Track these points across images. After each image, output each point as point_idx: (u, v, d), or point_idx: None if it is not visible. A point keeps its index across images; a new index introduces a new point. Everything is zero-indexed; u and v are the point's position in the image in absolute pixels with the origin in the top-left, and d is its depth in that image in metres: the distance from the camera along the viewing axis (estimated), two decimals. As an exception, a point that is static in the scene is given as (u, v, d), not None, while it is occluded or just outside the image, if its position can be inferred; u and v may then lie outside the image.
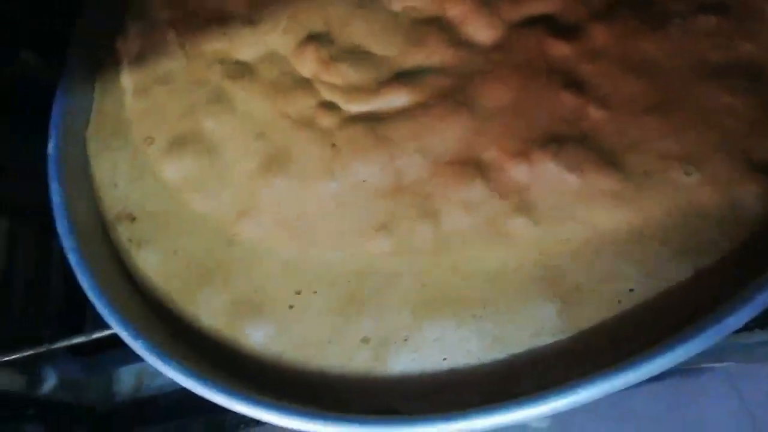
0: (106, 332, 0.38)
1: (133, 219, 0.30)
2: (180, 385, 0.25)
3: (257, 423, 0.30)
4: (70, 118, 0.34)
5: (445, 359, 0.24)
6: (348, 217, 0.27)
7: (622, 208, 0.24)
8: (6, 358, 0.35)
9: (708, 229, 0.23)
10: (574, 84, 0.26)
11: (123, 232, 0.30)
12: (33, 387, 0.40)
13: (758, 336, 0.35)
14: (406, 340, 0.24)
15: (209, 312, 0.27)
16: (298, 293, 0.26)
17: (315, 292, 0.26)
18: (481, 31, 0.28)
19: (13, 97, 0.43)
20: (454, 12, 0.29)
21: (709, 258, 0.22)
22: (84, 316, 0.43)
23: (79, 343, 0.35)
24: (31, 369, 0.40)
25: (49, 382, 0.41)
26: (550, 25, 0.27)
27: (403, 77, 0.28)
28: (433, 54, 0.28)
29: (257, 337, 0.26)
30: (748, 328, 0.34)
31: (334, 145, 0.28)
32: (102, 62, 0.35)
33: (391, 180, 0.26)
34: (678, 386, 0.69)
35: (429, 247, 0.25)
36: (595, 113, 0.25)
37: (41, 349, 0.35)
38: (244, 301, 0.27)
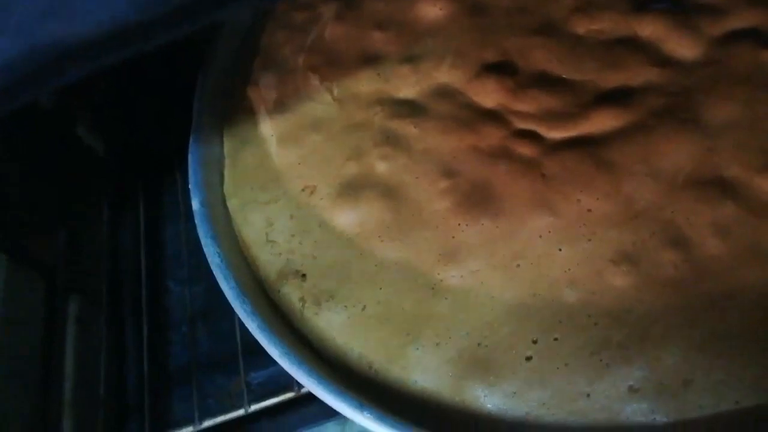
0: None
1: (303, 276, 0.27)
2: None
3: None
4: (206, 173, 0.31)
5: (737, 402, 0.21)
6: (577, 252, 0.24)
7: None
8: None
9: None
10: (809, 92, 0.24)
11: (291, 292, 0.27)
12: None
13: None
14: (686, 384, 0.21)
15: (424, 373, 0.23)
16: (535, 342, 0.23)
17: (556, 339, 0.23)
18: (684, 49, 0.26)
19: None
20: (647, 32, 0.27)
21: None
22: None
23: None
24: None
25: None
26: (758, 37, 0.26)
27: (608, 99, 0.26)
28: (636, 74, 0.26)
29: (493, 399, 0.22)
30: None
31: (543, 175, 0.25)
32: (232, 113, 0.33)
33: (621, 207, 0.24)
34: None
35: (685, 276, 0.22)
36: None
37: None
38: (468, 358, 0.23)
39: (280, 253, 0.28)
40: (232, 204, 0.30)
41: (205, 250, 0.27)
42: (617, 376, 0.22)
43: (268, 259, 0.28)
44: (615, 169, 0.24)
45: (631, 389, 0.21)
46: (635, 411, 0.21)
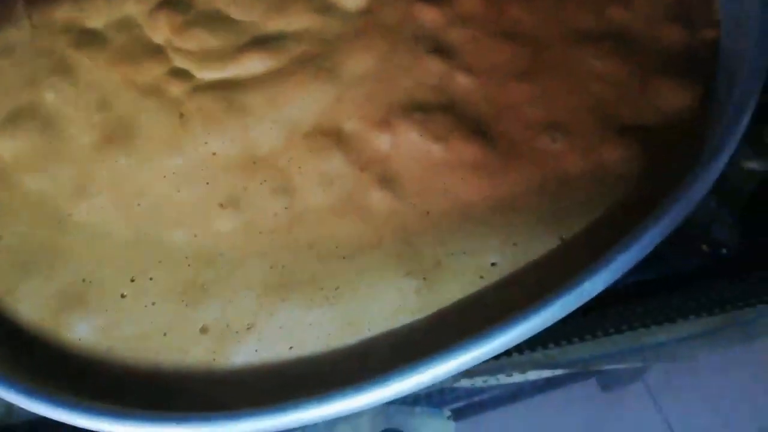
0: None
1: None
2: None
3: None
4: None
5: (291, 348, 0.21)
6: (193, 194, 0.24)
7: (486, 179, 0.22)
8: None
9: (574, 197, 0.21)
10: (442, 50, 0.24)
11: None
12: None
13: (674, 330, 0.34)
14: (249, 328, 0.21)
15: (30, 306, 0.23)
16: (133, 280, 0.23)
17: (151, 279, 0.23)
18: (349, -1, 0.26)
19: None
20: (319, -22, 0.26)
21: (576, 226, 0.20)
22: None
23: None
24: None
25: None
26: (418, -9, 0.25)
27: (262, 43, 0.26)
28: (297, 20, 0.26)
29: (81, 332, 0.23)
30: (665, 320, 0.33)
31: (182, 115, 0.25)
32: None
33: (243, 153, 0.24)
34: (597, 401, 0.68)
35: (281, 225, 0.23)
36: (462, 80, 0.23)
37: None
38: (70, 292, 0.23)
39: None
40: None
41: None
42: (193, 316, 0.22)
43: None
44: (246, 113, 0.24)
45: (203, 329, 0.22)
46: (201, 351, 0.21)
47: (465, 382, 0.35)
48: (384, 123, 0.23)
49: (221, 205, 0.23)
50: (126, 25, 0.28)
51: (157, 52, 0.27)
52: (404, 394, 0.17)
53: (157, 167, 0.24)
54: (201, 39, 0.26)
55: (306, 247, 0.22)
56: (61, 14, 0.29)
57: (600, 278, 0.17)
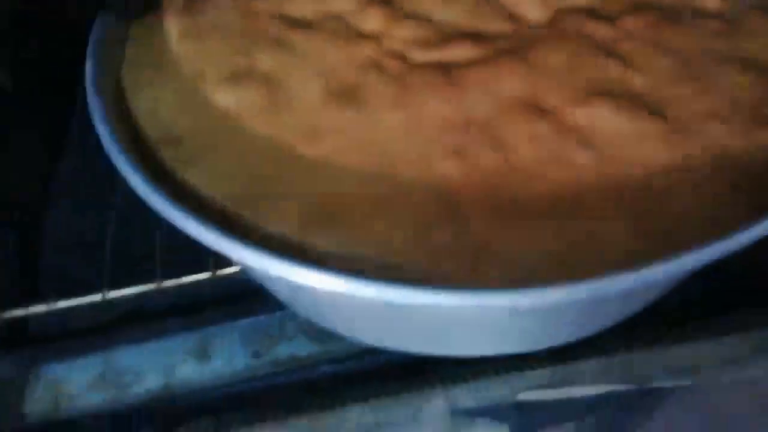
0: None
1: (179, 142, 0.30)
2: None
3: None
4: (105, 57, 0.33)
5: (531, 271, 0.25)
6: (418, 143, 0.28)
7: (669, 149, 0.27)
8: None
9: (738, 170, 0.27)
10: (616, 55, 0.30)
11: (167, 154, 0.29)
12: None
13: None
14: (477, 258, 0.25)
15: (274, 223, 0.26)
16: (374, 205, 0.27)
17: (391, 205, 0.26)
18: (534, 12, 0.32)
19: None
20: (504, -1, 0.33)
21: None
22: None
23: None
24: None
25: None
26: (591, 13, 0.32)
27: (466, 37, 0.31)
28: (491, 24, 0.32)
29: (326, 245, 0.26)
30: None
31: (405, 84, 0.30)
32: (137, 12, 0.35)
33: (461, 115, 0.29)
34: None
35: (499, 171, 0.27)
36: (636, 79, 0.30)
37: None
38: (317, 212, 0.26)
39: (162, 125, 0.30)
40: (126, 82, 0.32)
41: (94, 115, 0.29)
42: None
43: (151, 129, 0.30)
44: (461, 85, 0.29)
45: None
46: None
47: (528, 395, 0.38)
48: (580, 100, 0.29)
49: (443, 153, 0.28)
50: (334, 16, 0.33)
51: (369, 37, 0.32)
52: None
53: (384, 119, 0.29)
54: (411, 29, 0.32)
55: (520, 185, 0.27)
56: (264, 5, 0.34)
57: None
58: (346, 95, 0.30)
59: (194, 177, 0.28)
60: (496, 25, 0.32)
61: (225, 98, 0.30)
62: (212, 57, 0.32)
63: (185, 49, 0.33)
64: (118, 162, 0.27)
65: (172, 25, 0.34)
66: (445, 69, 0.30)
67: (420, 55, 0.31)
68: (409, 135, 0.28)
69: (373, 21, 0.32)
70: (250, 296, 0.38)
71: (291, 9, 0.34)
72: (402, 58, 0.31)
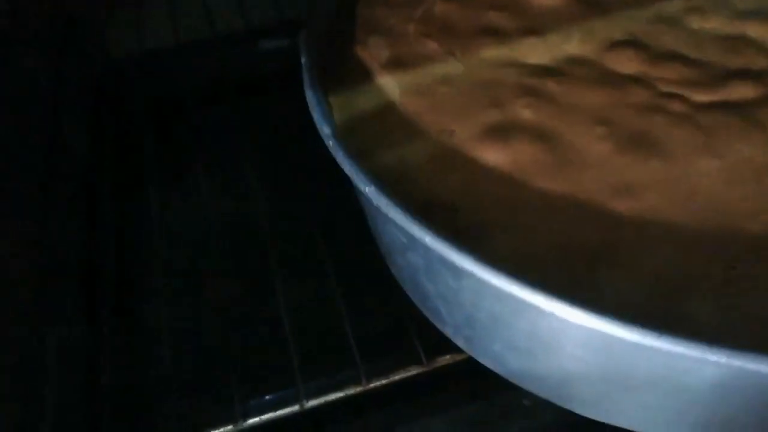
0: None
1: (455, 209, 0.25)
2: None
3: None
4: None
5: None
6: (746, 190, 0.25)
7: None
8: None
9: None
10: None
11: (443, 226, 0.25)
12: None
13: None
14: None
15: (617, 294, 0.22)
16: (734, 268, 0.23)
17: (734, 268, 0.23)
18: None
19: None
20: (754, 33, 0.31)
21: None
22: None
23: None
24: None
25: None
26: None
27: (737, 75, 0.29)
28: (753, 61, 0.29)
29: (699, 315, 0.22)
30: None
31: (700, 126, 0.26)
32: (338, 69, 0.31)
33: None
34: None
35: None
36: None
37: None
38: (665, 279, 0.22)
39: (424, 190, 0.26)
40: (352, 144, 0.28)
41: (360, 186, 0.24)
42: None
43: (410, 195, 0.26)
44: (762, 127, 0.26)
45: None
46: None
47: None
48: None
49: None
50: (579, 61, 0.30)
51: (632, 80, 0.29)
52: None
53: (697, 168, 0.25)
54: (678, 70, 0.29)
55: None
56: (490, 53, 0.31)
57: None
58: (639, 143, 0.26)
59: (491, 248, 0.24)
60: (759, 62, 0.29)
61: (495, 156, 0.26)
62: (453, 113, 0.28)
63: (414, 107, 0.29)
64: (418, 233, 0.22)
65: (390, 82, 0.30)
66: (734, 109, 0.27)
67: (702, 96, 0.28)
68: (732, 182, 0.25)
69: (628, 63, 0.29)
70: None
71: (524, 56, 0.30)
72: (682, 99, 0.28)
